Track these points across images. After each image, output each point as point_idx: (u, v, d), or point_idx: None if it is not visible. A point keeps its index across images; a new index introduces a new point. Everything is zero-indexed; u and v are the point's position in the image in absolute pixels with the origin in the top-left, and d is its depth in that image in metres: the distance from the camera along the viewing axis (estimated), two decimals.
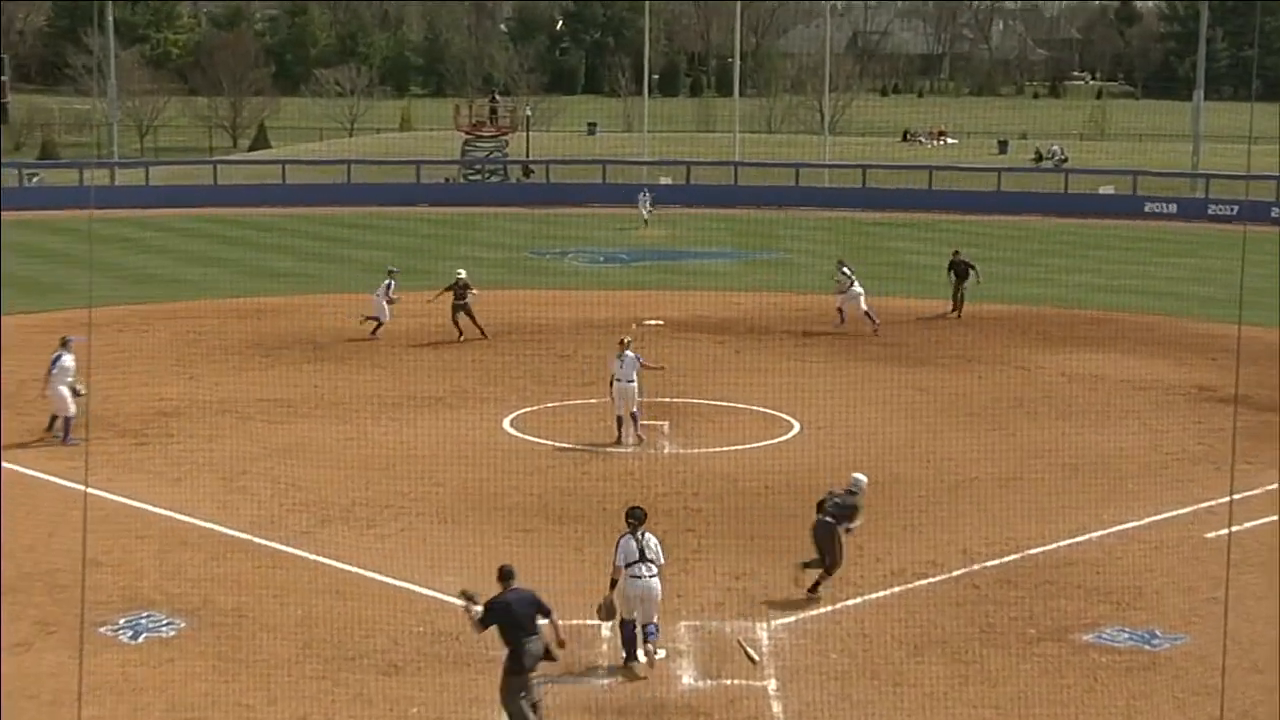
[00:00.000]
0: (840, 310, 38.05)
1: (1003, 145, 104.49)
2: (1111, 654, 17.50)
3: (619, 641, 16.98)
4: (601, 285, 44.93)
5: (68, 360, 26.05)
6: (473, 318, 35.96)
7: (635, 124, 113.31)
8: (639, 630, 16.71)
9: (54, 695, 16.01)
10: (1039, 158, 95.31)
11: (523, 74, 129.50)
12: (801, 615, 18.44)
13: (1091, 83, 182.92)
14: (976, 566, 20.26)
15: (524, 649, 14.61)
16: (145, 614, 18.32)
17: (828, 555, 18.97)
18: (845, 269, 38.45)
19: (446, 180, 79.50)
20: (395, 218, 65.80)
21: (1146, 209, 70.27)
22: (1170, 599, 19.20)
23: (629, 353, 26.58)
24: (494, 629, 14.77)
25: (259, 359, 33.97)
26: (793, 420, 28.11)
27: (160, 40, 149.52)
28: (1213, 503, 22.89)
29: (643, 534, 16.91)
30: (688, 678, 16.79)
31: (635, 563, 16.75)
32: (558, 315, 39.12)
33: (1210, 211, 69.10)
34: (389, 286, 37.10)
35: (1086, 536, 21.53)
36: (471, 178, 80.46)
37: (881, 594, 19.27)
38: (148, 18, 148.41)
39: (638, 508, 17.18)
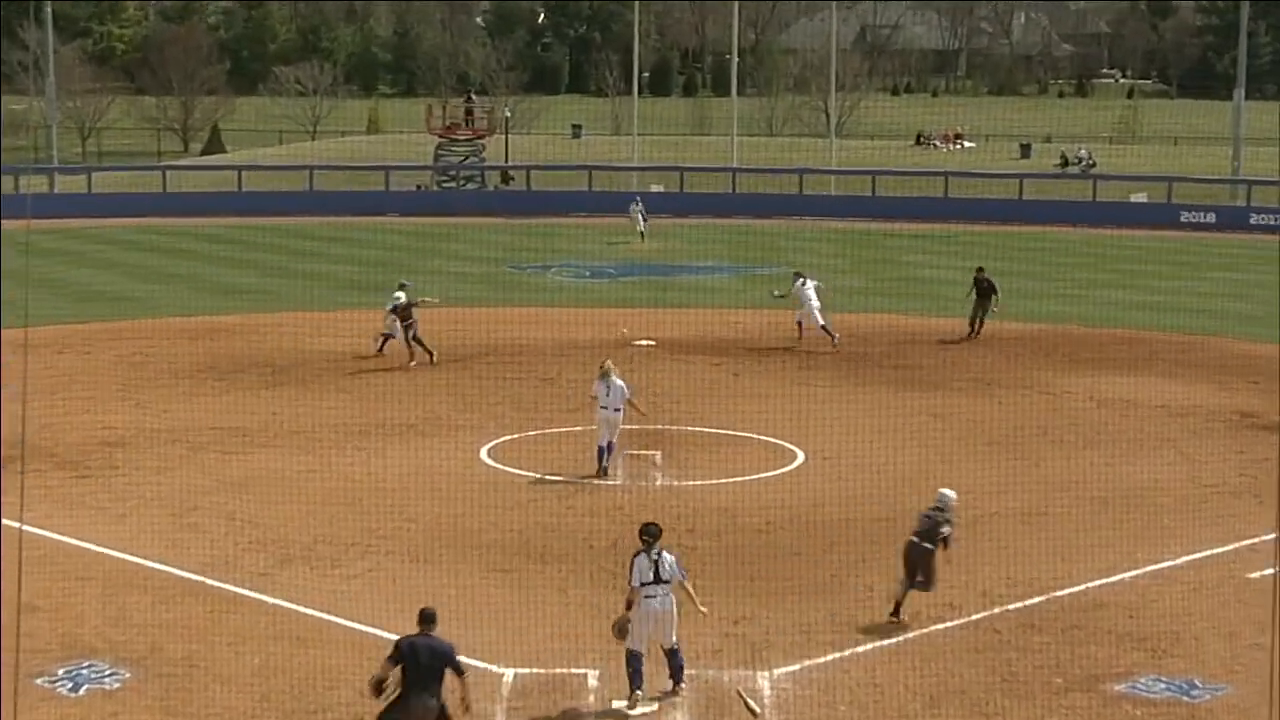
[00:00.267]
0: (799, 324, 38.79)
1: (1025, 149, 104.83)
2: (1146, 706, 17.50)
3: (625, 671, 17.00)
4: (587, 302, 44.97)
5: None
6: (418, 341, 35.46)
7: (624, 126, 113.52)
8: (649, 655, 16.83)
9: None
10: (1065, 163, 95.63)
11: (501, 72, 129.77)
12: (806, 663, 18.43)
13: (1122, 81, 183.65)
14: (998, 610, 20.25)
15: (412, 701, 14.65)
16: (86, 663, 18.27)
17: (921, 576, 19.49)
18: (800, 279, 39.24)
19: (418, 187, 79.58)
20: (362, 228, 65.85)
21: (1182, 218, 70.49)
22: (1211, 646, 19.20)
23: (618, 380, 26.55)
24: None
25: (212, 383, 33.94)
26: (796, 449, 28.12)
27: (104, 35, 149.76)
28: (1256, 540, 22.91)
29: (658, 552, 17.01)
30: None
31: (650, 583, 16.84)
32: (540, 335, 39.13)
33: (1252, 221, 69.35)
34: (398, 300, 37.25)
35: (1119, 577, 21.54)
36: (445, 185, 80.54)
37: (894, 640, 19.25)
38: (90, 10, 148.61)
39: (652, 524, 17.30)
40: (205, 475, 26.27)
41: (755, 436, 29.10)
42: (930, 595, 20.23)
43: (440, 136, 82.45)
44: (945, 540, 19.69)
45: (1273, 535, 22.56)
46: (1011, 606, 20.38)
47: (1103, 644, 19.22)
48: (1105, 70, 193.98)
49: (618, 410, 26.37)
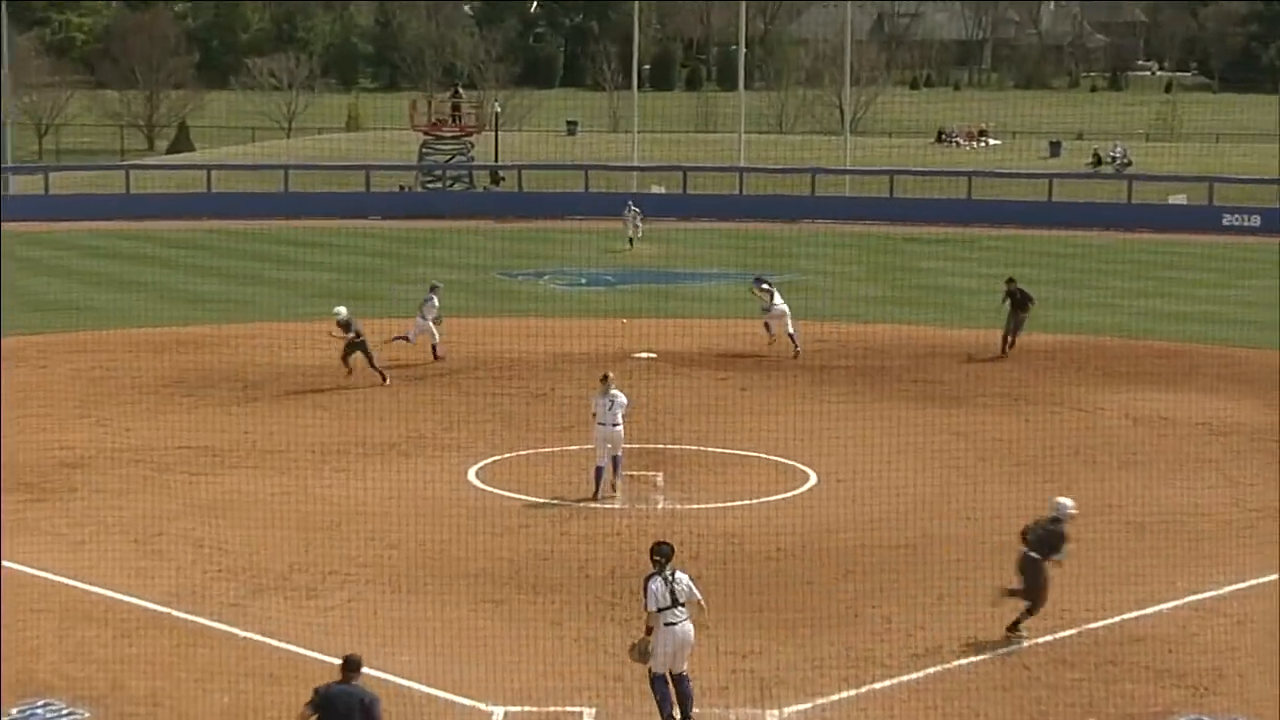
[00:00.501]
0: (767, 325, 39.47)
1: (1055, 147, 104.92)
2: None
3: (653, 701, 17.01)
4: (583, 312, 44.98)
5: None
6: (349, 358, 35.13)
7: (623, 123, 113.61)
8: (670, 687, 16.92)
9: None
10: (1097, 161, 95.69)
11: (490, 64, 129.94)
12: (819, 701, 18.41)
13: (1159, 73, 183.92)
14: (1026, 644, 20.23)
15: None
16: (42, 703, 18.23)
17: (1032, 591, 19.93)
18: (763, 284, 39.83)
19: (401, 188, 79.63)
20: (341, 232, 65.87)
21: (1225, 221, 70.54)
22: (1256, 683, 19.17)
23: (618, 394, 26.54)
24: None
25: (179, 399, 33.93)
26: (808, 470, 28.11)
27: (63, 24, 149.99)
28: None
29: (671, 573, 17.06)
30: None
31: (667, 607, 16.89)
32: (532, 347, 39.13)
33: None
34: (430, 301, 37.78)
35: (1157, 608, 21.51)
36: (431, 185, 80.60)
37: (913, 676, 19.23)
38: None
39: (664, 543, 17.39)
40: (171, 498, 26.26)
41: (764, 456, 29.08)
42: (952, 628, 20.20)
43: (425, 134, 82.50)
44: (1059, 554, 20.23)
45: None
46: (1041, 640, 20.36)
47: (1139, 681, 19.19)
48: (1141, 62, 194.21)
49: (616, 425, 26.35)
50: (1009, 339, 39.48)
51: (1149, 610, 21.40)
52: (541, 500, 26.31)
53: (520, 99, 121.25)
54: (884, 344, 40.88)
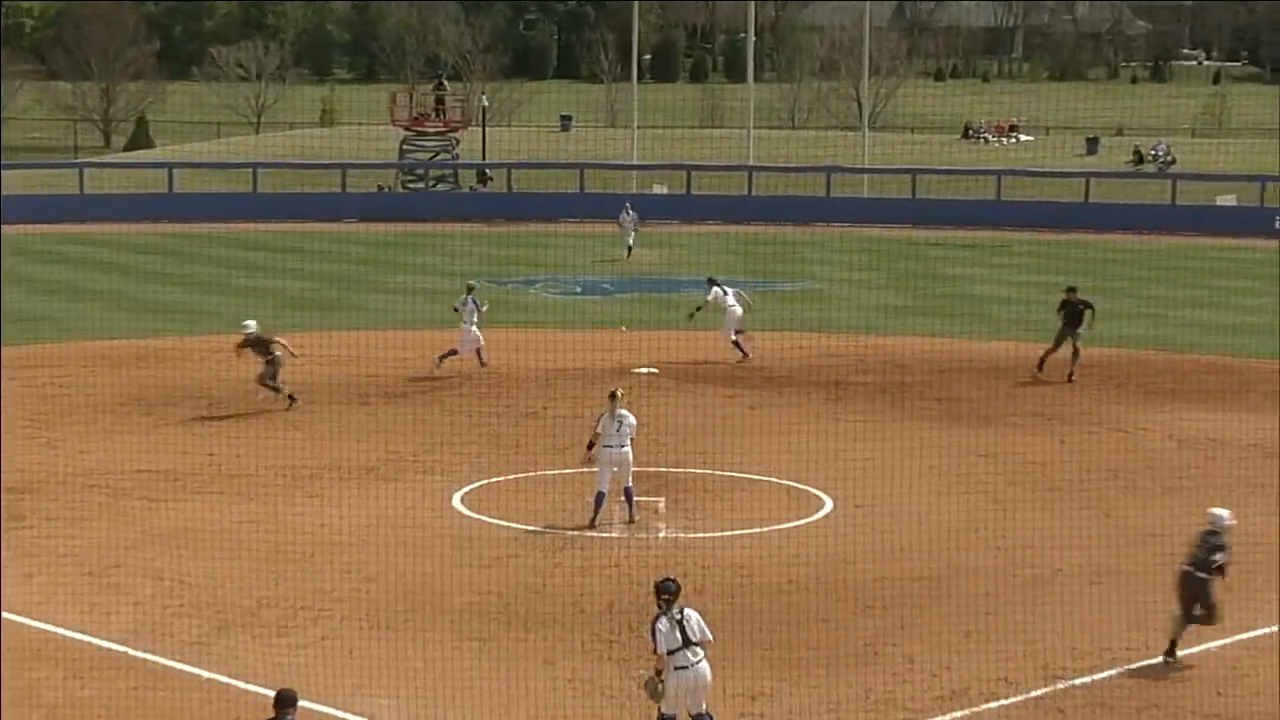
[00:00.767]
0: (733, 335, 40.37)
1: (1092, 144, 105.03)
2: None
3: None
4: (579, 323, 44.95)
5: None
6: (269, 382, 34.66)
7: (621, 117, 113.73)
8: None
9: None
10: (1139, 159, 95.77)
11: (477, 54, 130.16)
12: None
13: (1206, 63, 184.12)
14: (1061, 685, 20.20)
15: None
16: None
17: (1201, 609, 20.44)
18: (717, 287, 40.59)
19: (380, 189, 79.65)
20: (315, 236, 65.88)
21: (1278, 224, 70.51)
22: None
23: (627, 414, 26.46)
24: None
25: (138, 419, 33.90)
26: (823, 496, 28.08)
27: (11, 9, 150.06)
28: None
29: (679, 611, 17.06)
30: None
31: (678, 649, 16.90)
32: (522, 361, 39.11)
33: None
34: (467, 305, 38.05)
35: (1205, 646, 21.48)
36: (412, 186, 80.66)
37: (940, 719, 19.23)
38: None
39: (669, 580, 17.36)
40: (129, 527, 26.22)
41: (775, 481, 29.05)
42: (981, 668, 20.18)
43: (406, 129, 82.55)
44: (1221, 568, 20.65)
45: None
46: (1078, 681, 20.33)
47: None
48: (1186, 50, 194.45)
49: (624, 448, 26.31)
50: (1071, 360, 38.21)
51: (1196, 649, 21.37)
52: (533, 528, 26.28)
53: (510, 91, 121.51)
54: (906, 358, 40.85)
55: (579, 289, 53.57)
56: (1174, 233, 69.50)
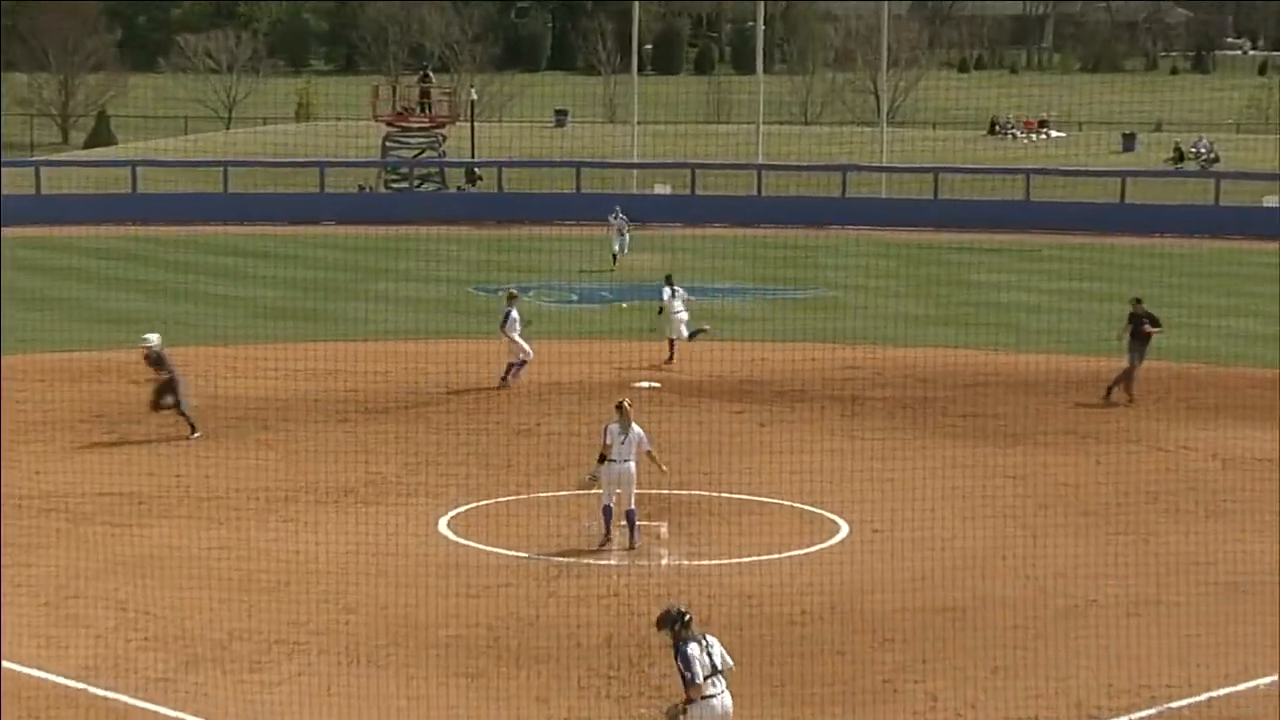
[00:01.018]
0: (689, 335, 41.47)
1: (1128, 140, 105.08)
2: None
3: None
4: (574, 333, 44.97)
5: None
6: (175, 406, 34.01)
7: (620, 112, 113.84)
8: None
9: None
10: (1179, 157, 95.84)
11: (466, 44, 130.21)
12: None
13: (1252, 53, 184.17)
14: None
15: None
16: None
17: None
18: (669, 288, 41.80)
19: (361, 189, 79.71)
20: (291, 240, 65.88)
21: None
22: None
23: (635, 428, 26.51)
24: None
25: (99, 436, 33.88)
26: (838, 520, 28.06)
27: None
28: None
29: (704, 637, 17.19)
30: None
31: (710, 676, 16.96)
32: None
33: None
34: (510, 315, 38.41)
35: (1253, 684, 21.45)
36: (396, 185, 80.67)
37: None
38: None
39: (683, 610, 17.26)
40: (89, 554, 26.18)
41: (786, 503, 29.03)
42: (1009, 707, 20.14)
43: (389, 125, 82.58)
44: None
45: None
46: None
47: None
48: (1230, 40, 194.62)
49: (628, 462, 26.34)
50: (1127, 377, 37.90)
51: (1242, 686, 21.34)
52: (525, 555, 26.25)
53: (500, 84, 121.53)
54: (927, 371, 40.85)
55: (575, 297, 53.56)
56: (1217, 236, 69.51)
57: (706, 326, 42.59)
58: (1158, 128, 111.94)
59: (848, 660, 22.01)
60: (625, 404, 26.94)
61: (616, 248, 60.70)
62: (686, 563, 26.12)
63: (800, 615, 23.63)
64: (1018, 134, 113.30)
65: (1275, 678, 21.63)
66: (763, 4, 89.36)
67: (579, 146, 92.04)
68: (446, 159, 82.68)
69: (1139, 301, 38.82)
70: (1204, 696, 21.01)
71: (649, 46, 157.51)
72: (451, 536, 27.35)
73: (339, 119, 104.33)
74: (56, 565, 25.53)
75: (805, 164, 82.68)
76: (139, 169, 76.91)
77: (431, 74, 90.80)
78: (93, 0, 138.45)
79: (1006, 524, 28.06)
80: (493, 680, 21.31)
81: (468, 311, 49.04)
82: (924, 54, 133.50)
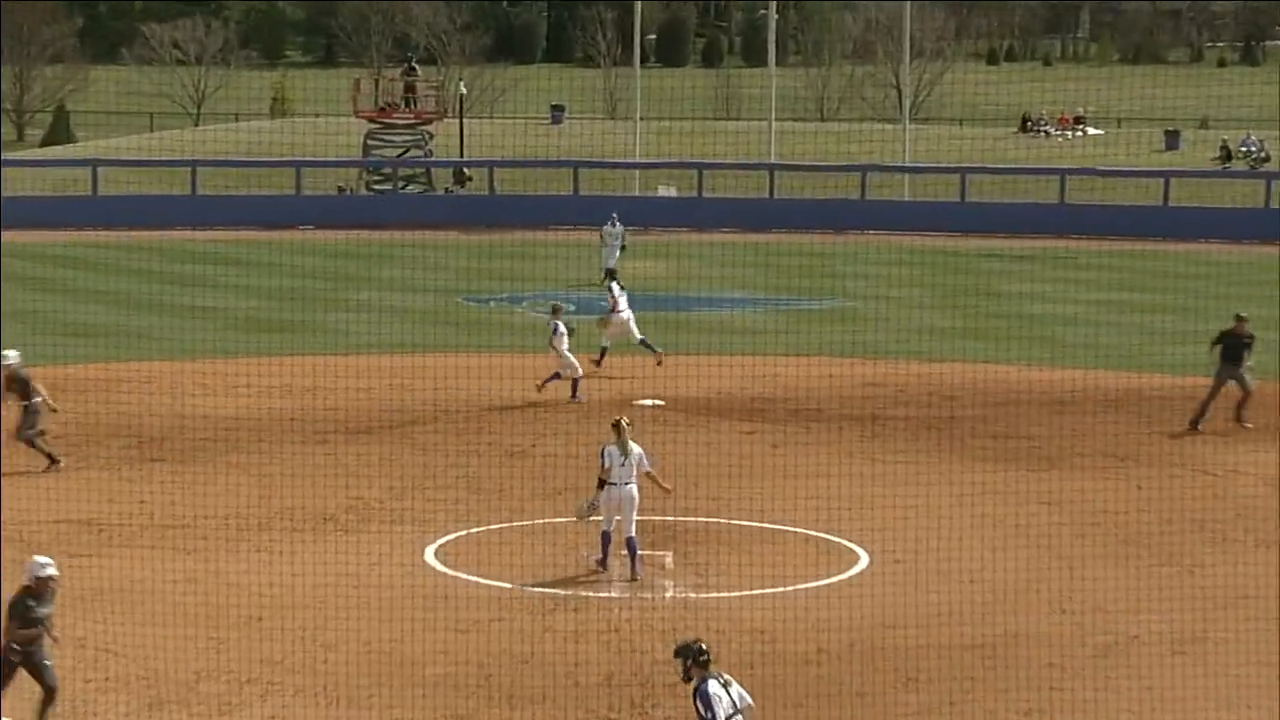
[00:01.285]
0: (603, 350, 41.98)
1: (1171, 138, 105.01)
2: None
3: None
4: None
5: None
6: (31, 433, 33.17)
7: (622, 108, 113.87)
8: None
9: None
10: (1227, 156, 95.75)
11: (455, 34, 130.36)
12: None
13: None
14: None
15: None
16: None
17: None
18: (615, 285, 42.73)
19: (341, 190, 79.69)
20: (265, 246, 65.86)
21: None
22: None
23: (634, 447, 26.53)
24: None
25: (56, 458, 33.84)
26: (858, 549, 28.05)
27: None
28: None
29: (722, 674, 17.29)
30: None
31: (731, 717, 17.10)
32: (506, 392, 39.10)
33: None
34: (557, 329, 38.92)
35: None
36: (379, 187, 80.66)
37: None
38: None
39: (704, 647, 17.25)
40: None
41: (801, 531, 29.01)
42: None
43: (371, 121, 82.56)
44: None
45: None
46: None
47: None
48: None
49: (629, 484, 26.34)
50: (1210, 401, 37.14)
51: None
52: (519, 586, 26.23)
53: (492, 77, 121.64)
54: (954, 388, 40.82)
55: (572, 307, 53.43)
56: (1268, 241, 69.34)
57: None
58: (1203, 124, 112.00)
59: (868, 702, 21.99)
60: (623, 422, 26.93)
61: (613, 262, 59.20)
62: (693, 595, 26.10)
63: (816, 653, 23.61)
64: (1051, 131, 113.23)
65: None
66: None
67: (576, 145, 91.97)
68: (433, 158, 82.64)
69: (1243, 319, 37.82)
70: None
71: (652, 37, 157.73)
72: (439, 567, 27.33)
73: (317, 115, 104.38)
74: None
75: (821, 164, 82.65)
76: (100, 169, 76.91)
77: (417, 66, 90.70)
78: None
79: (1040, 554, 28.04)
80: None
81: (456, 323, 48.99)
82: (950, 45, 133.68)
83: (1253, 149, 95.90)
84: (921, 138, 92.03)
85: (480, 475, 32.64)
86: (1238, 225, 71.74)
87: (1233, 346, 37.54)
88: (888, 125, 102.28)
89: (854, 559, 27.71)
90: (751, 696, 17.48)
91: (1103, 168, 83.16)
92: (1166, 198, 74.59)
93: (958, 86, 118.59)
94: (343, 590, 25.70)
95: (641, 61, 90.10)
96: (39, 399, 33.28)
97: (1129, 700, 22.04)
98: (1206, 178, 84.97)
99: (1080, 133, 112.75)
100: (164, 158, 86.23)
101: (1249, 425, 37.40)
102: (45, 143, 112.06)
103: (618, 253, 59.33)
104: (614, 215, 60.52)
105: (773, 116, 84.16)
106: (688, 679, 17.31)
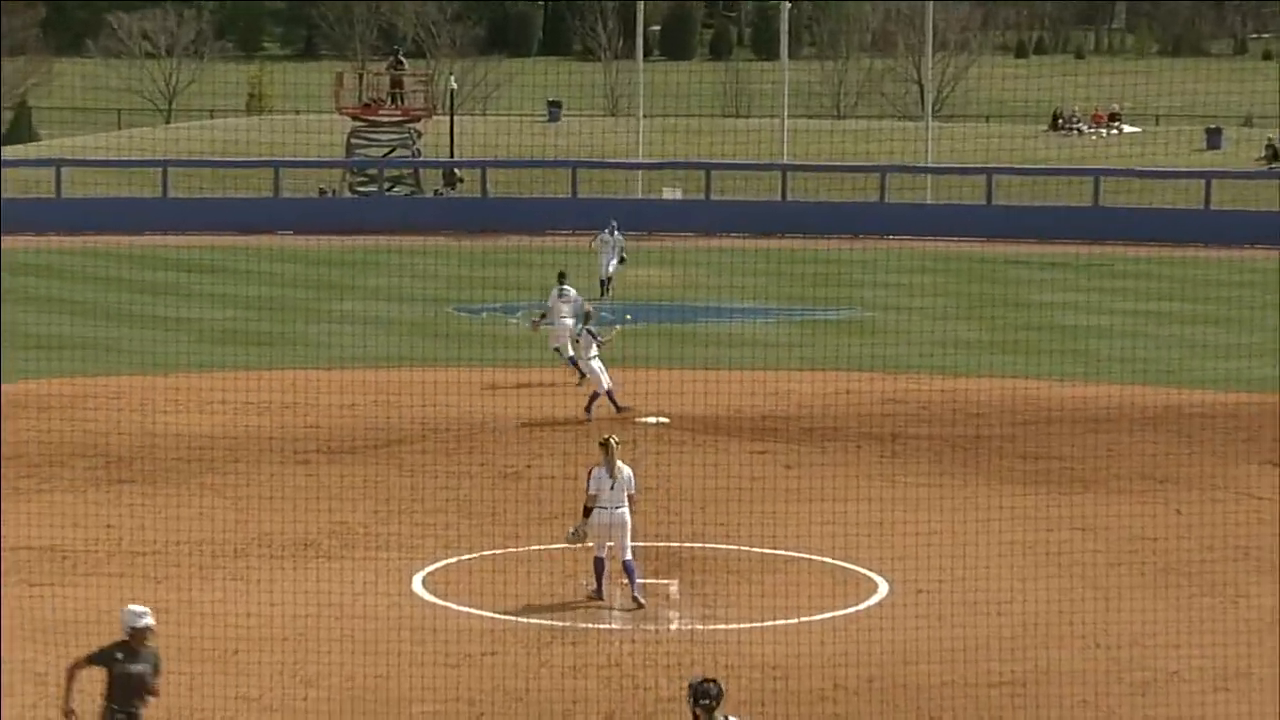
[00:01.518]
0: (558, 351, 42.75)
1: (1213, 136, 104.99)
2: None
3: None
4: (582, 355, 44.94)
5: None
6: None
7: (623, 104, 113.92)
8: None
9: None
10: (1273, 155, 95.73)
11: (444, 24, 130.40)
12: None
13: None
14: None
15: None
16: None
17: None
18: (563, 287, 43.24)
19: (323, 192, 79.77)
20: (241, 252, 65.89)
21: None
22: None
23: (624, 467, 26.57)
24: None
25: (16, 482, 33.78)
26: (876, 578, 28.04)
27: None
28: None
29: (725, 718, 17.34)
30: None
31: None
32: (499, 409, 39.10)
33: None
34: (591, 335, 39.11)
35: None
36: (363, 189, 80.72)
37: None
38: None
39: (712, 681, 17.24)
40: (4, 617, 26.13)
41: (816, 559, 29.01)
42: None
43: (355, 119, 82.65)
44: None
45: None
46: None
47: None
48: None
49: (620, 508, 26.35)
50: None
51: None
52: (513, 617, 26.23)
53: (484, 71, 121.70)
54: (980, 405, 40.82)
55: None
56: None
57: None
58: (1248, 122, 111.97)
59: None
60: (611, 441, 26.95)
61: (610, 271, 58.79)
62: (700, 627, 26.10)
63: (833, 689, 23.61)
64: (1084, 129, 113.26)
65: None
66: None
67: (575, 144, 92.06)
68: (421, 158, 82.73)
69: None
70: None
71: (656, 28, 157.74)
72: (428, 597, 27.32)
73: (297, 112, 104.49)
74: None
75: (838, 164, 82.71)
76: (64, 169, 76.94)
77: (404, 59, 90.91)
78: None
79: (1073, 584, 28.04)
80: None
81: (446, 335, 48.98)
82: (976, 36, 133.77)
83: None
84: (945, 136, 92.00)
85: (472, 498, 32.63)
86: None
87: None
88: (909, 123, 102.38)
89: (872, 588, 27.71)
90: None
91: (1139, 168, 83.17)
92: (1208, 200, 74.63)
93: (984, 81, 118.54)
94: (324, 622, 25.68)
95: (645, 54, 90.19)
96: None
97: None
98: (1251, 179, 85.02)
99: (1115, 131, 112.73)
100: (133, 157, 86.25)
101: None
102: (5, 141, 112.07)
103: (614, 262, 58.77)
104: (613, 223, 59.83)
105: (785, 113, 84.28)
106: None
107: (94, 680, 20.01)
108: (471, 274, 59.08)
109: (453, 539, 30.08)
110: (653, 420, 38.59)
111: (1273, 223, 72.87)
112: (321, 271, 62.24)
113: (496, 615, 26.38)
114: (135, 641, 19.41)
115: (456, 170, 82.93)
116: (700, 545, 29.71)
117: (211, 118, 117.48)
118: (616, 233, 59.68)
